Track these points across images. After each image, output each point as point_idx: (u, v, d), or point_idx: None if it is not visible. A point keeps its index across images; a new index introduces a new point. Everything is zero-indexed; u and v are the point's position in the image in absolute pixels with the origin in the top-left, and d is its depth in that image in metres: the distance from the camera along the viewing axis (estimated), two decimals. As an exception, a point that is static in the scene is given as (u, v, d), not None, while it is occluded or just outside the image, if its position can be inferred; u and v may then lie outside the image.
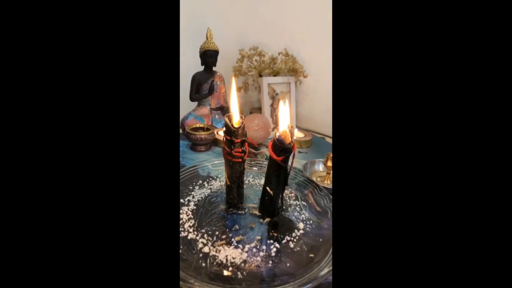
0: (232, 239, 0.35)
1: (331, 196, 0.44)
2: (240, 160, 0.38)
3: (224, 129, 0.37)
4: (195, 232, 0.36)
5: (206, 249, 0.33)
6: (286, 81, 0.89)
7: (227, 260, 0.32)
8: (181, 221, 0.38)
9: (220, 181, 0.48)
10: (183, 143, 0.71)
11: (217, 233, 0.37)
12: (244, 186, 0.43)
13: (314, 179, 0.55)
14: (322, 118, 0.88)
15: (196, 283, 0.28)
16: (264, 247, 0.35)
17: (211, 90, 0.76)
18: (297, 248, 0.35)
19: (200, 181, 0.48)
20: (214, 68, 0.77)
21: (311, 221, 0.41)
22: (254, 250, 0.34)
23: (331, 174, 0.56)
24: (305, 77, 0.88)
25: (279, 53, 0.88)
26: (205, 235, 0.36)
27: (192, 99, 0.76)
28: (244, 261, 0.32)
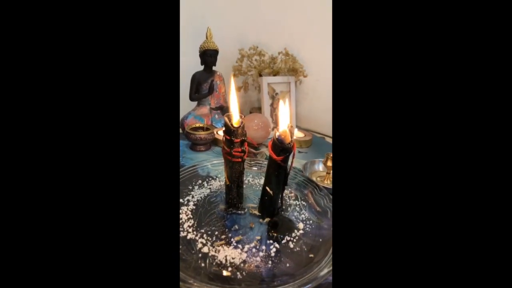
0: (232, 239, 0.35)
1: (331, 196, 0.44)
2: (240, 160, 0.38)
3: (224, 128, 0.37)
4: (195, 232, 0.36)
5: (205, 249, 0.33)
6: (286, 80, 0.88)
7: (226, 260, 0.32)
8: (180, 221, 0.38)
9: (219, 181, 0.48)
10: (182, 143, 0.71)
11: (216, 233, 0.36)
12: (244, 186, 0.42)
13: (314, 179, 0.55)
14: (322, 118, 0.88)
15: (195, 283, 0.27)
16: (263, 247, 0.35)
17: (211, 90, 0.76)
18: (297, 248, 0.35)
19: (200, 181, 0.48)
20: (214, 68, 0.77)
21: (311, 221, 0.40)
22: (254, 250, 0.34)
23: (331, 174, 0.56)
24: (305, 76, 0.88)
25: (279, 53, 0.88)
26: (205, 235, 0.36)
27: (191, 98, 0.76)
28: (244, 261, 0.32)
